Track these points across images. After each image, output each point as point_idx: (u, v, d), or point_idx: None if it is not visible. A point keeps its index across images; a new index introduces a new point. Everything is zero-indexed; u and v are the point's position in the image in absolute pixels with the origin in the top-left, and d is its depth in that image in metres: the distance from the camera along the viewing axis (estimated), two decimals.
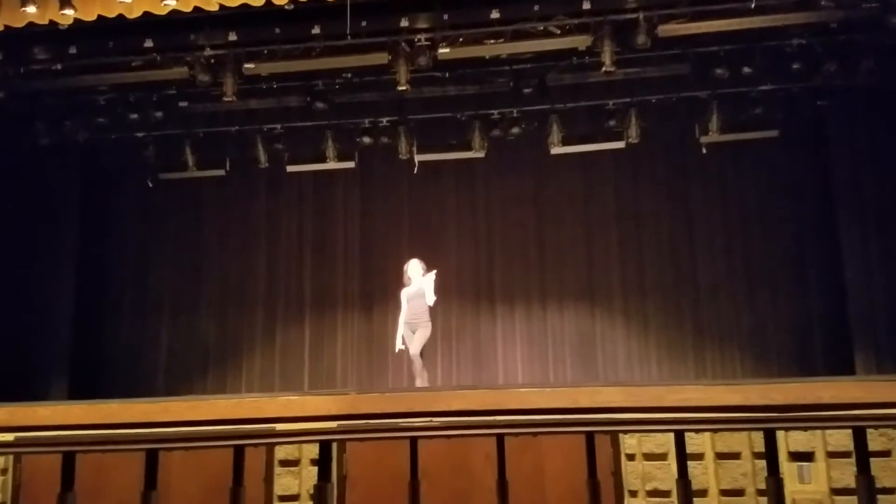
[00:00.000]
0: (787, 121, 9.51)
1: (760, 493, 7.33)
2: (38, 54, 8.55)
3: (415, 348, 8.00)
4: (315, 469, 7.42)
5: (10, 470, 8.10)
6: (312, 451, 7.81)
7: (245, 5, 7.18)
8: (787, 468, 7.26)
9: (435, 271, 8.07)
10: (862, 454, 2.35)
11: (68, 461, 2.36)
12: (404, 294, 8.15)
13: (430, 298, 7.98)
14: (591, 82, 9.25)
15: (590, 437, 2.44)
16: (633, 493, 7.70)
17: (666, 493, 7.55)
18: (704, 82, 9.10)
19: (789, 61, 8.78)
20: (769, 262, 9.81)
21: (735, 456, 7.56)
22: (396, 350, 8.26)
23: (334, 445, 2.48)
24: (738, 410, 2.33)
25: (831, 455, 7.34)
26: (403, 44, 8.28)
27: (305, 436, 2.41)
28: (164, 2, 7.06)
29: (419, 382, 8.08)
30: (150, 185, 10.39)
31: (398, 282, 8.38)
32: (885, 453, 6.75)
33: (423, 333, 8.06)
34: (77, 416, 2.46)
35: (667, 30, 8.15)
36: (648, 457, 7.70)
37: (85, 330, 10.26)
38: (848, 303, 9.15)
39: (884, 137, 9.19)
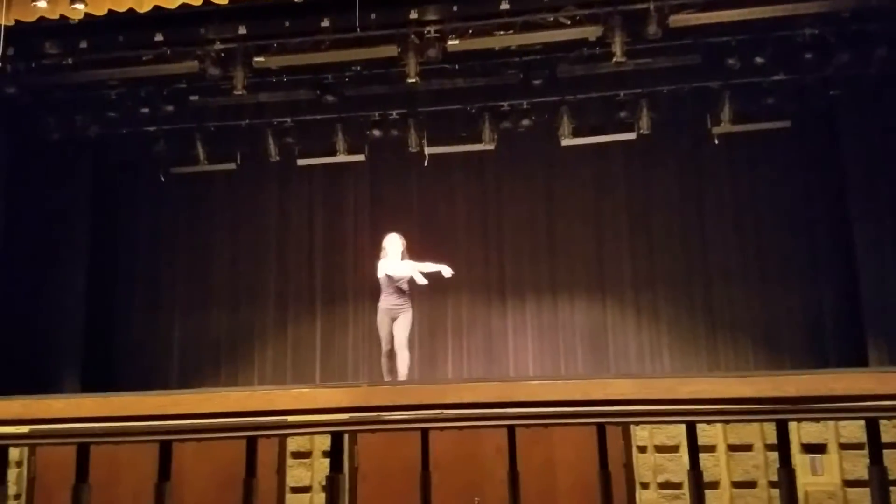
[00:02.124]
0: (799, 111, 9.45)
1: (772, 484, 7.32)
2: (48, 49, 8.58)
3: (401, 338, 7.58)
4: (327, 461, 7.46)
5: (25, 462, 8.18)
6: (324, 443, 7.85)
7: None
8: (799, 460, 7.25)
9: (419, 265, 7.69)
10: (875, 445, 2.34)
11: (83, 453, 2.38)
12: (381, 267, 7.70)
13: (420, 276, 7.54)
14: (601, 73, 9.20)
15: (601, 428, 2.44)
16: (645, 485, 7.71)
17: (677, 485, 7.55)
18: (716, 73, 9.04)
19: (801, 51, 8.70)
20: (781, 253, 9.77)
21: (747, 448, 7.56)
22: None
23: (346, 437, 2.49)
24: (750, 402, 2.32)
25: (844, 447, 7.33)
26: (413, 36, 8.27)
27: (317, 427, 2.42)
28: None
29: (402, 375, 7.57)
30: (162, 178, 10.44)
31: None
32: None
33: (407, 320, 7.63)
34: (90, 408, 2.48)
35: (678, 20, 8.10)
36: (660, 449, 7.71)
37: (97, 324, 10.32)
38: (861, 294, 9.10)
39: None
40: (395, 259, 7.68)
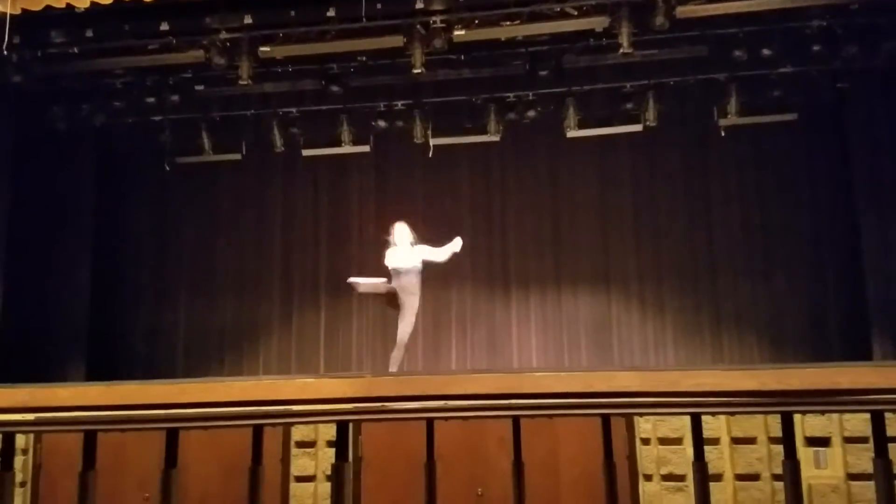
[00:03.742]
0: (806, 104, 9.41)
1: (776, 477, 7.33)
2: (55, 38, 8.57)
3: (399, 332, 7.43)
4: (331, 451, 7.49)
5: (31, 450, 8.23)
6: (328, 432, 7.88)
7: None
8: (803, 453, 7.25)
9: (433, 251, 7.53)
10: (879, 438, 2.34)
11: (89, 440, 2.39)
12: (390, 256, 7.55)
13: (443, 255, 7.43)
14: (608, 64, 9.17)
15: (606, 419, 2.45)
16: (648, 477, 7.72)
17: (681, 478, 7.57)
18: (723, 64, 9.00)
19: (809, 43, 8.66)
20: (787, 246, 9.75)
21: (751, 441, 7.57)
22: (350, 280, 7.64)
23: (350, 427, 2.50)
24: (754, 395, 2.32)
25: (848, 441, 7.33)
26: (419, 26, 8.24)
27: (323, 416, 2.43)
28: None
29: (393, 368, 7.44)
30: (167, 168, 10.45)
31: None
32: None
33: (406, 311, 7.40)
34: (96, 397, 2.49)
35: (685, 11, 8.06)
36: (663, 441, 7.72)
37: (102, 313, 10.35)
38: (865, 288, 9.08)
39: None
40: (403, 249, 7.53)
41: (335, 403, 2.37)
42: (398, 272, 7.48)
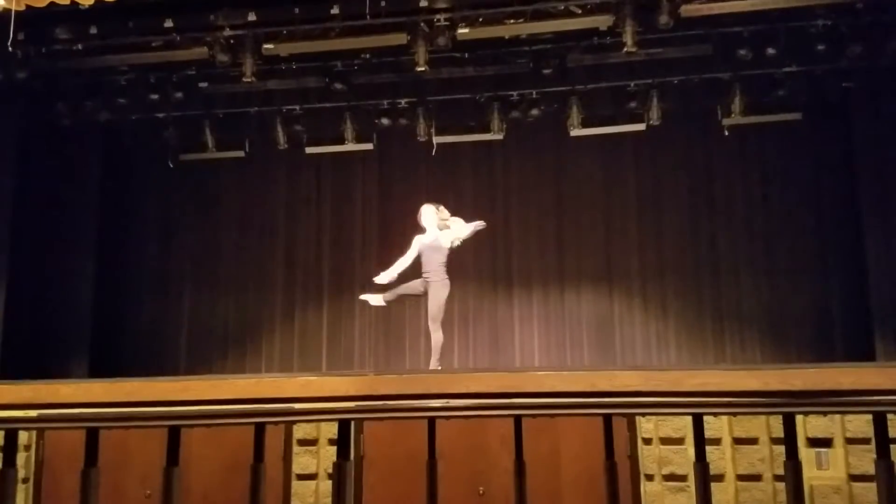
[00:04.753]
0: (810, 103, 9.39)
1: (777, 478, 7.32)
2: (59, 34, 8.58)
3: (430, 313, 7.20)
4: (333, 449, 7.49)
5: (34, 447, 8.25)
6: (330, 430, 7.88)
7: None
8: (804, 454, 7.24)
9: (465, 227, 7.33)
10: (882, 439, 2.34)
11: (92, 437, 2.40)
12: (418, 241, 7.32)
13: (463, 231, 7.21)
14: (612, 63, 9.17)
15: (607, 419, 2.45)
16: (650, 477, 7.71)
17: (682, 478, 7.56)
18: (727, 63, 8.99)
19: (814, 42, 8.65)
20: (790, 246, 9.74)
21: (752, 441, 7.56)
22: (375, 279, 7.30)
23: (352, 425, 2.50)
24: (756, 396, 2.31)
25: (850, 441, 7.31)
26: (422, 24, 8.24)
27: (324, 414, 2.43)
28: None
29: (434, 363, 7.29)
30: (171, 165, 10.46)
31: (416, 263, 7.67)
32: None
33: (437, 294, 7.10)
34: (99, 394, 2.49)
35: (690, 10, 8.05)
36: (665, 441, 7.71)
37: (105, 310, 10.37)
38: (869, 288, 9.07)
39: None
40: (431, 231, 7.30)
41: (337, 402, 2.37)
42: (424, 249, 7.24)
